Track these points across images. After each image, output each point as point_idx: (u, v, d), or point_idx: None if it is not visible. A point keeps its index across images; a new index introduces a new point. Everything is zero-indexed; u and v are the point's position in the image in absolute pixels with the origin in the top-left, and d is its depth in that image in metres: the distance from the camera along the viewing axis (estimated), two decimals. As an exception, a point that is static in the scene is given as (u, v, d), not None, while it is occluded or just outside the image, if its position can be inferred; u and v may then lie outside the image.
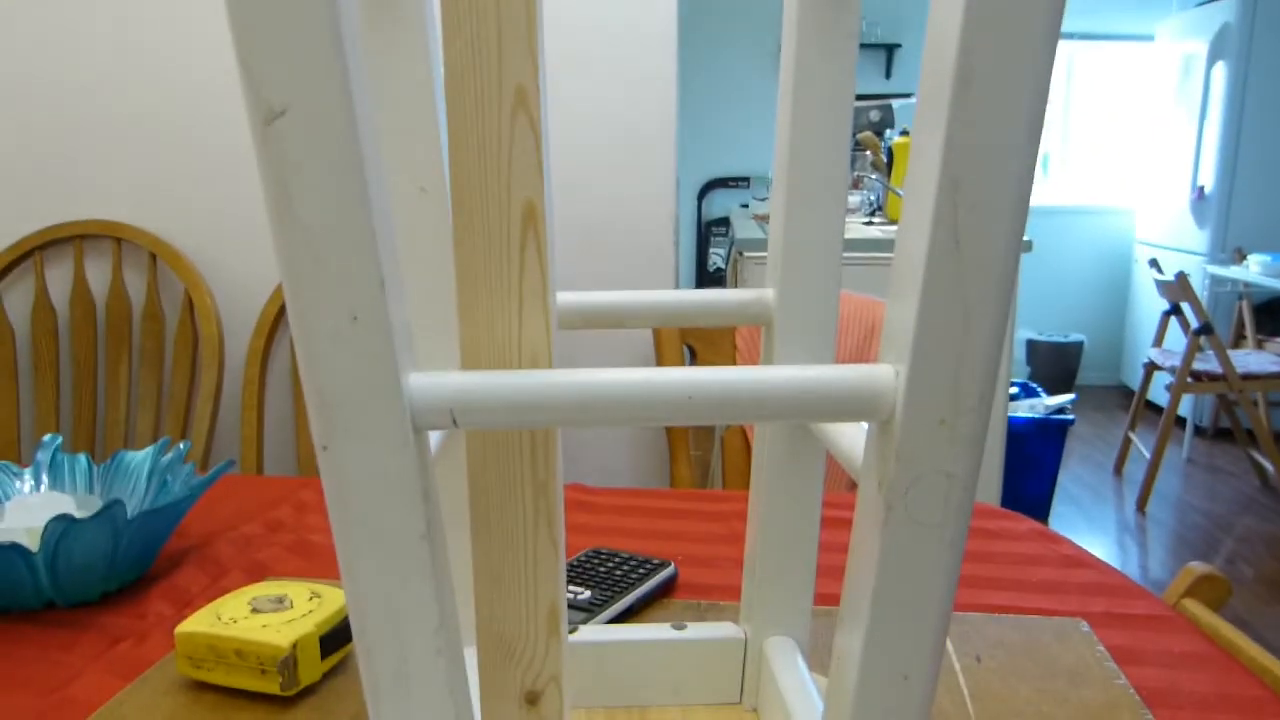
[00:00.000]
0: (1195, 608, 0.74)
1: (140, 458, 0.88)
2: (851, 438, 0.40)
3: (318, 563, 0.84)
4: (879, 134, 3.16)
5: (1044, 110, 0.30)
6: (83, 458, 0.89)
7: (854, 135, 2.81)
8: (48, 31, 1.64)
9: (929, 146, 0.30)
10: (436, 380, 0.30)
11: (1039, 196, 5.07)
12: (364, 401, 0.29)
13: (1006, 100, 0.29)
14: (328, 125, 0.27)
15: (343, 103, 0.26)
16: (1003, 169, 0.30)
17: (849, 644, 0.35)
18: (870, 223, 2.79)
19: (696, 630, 0.59)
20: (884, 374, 0.33)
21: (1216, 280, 4.15)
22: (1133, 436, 3.74)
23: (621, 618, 0.71)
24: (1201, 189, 4.32)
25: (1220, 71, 4.18)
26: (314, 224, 0.28)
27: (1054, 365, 5.00)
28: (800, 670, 0.54)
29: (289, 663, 0.60)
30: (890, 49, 5.04)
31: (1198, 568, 0.76)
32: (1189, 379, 3.32)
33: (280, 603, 0.65)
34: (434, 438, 0.37)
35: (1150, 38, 4.92)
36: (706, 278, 5.07)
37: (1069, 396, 3.28)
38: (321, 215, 0.28)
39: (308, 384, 0.29)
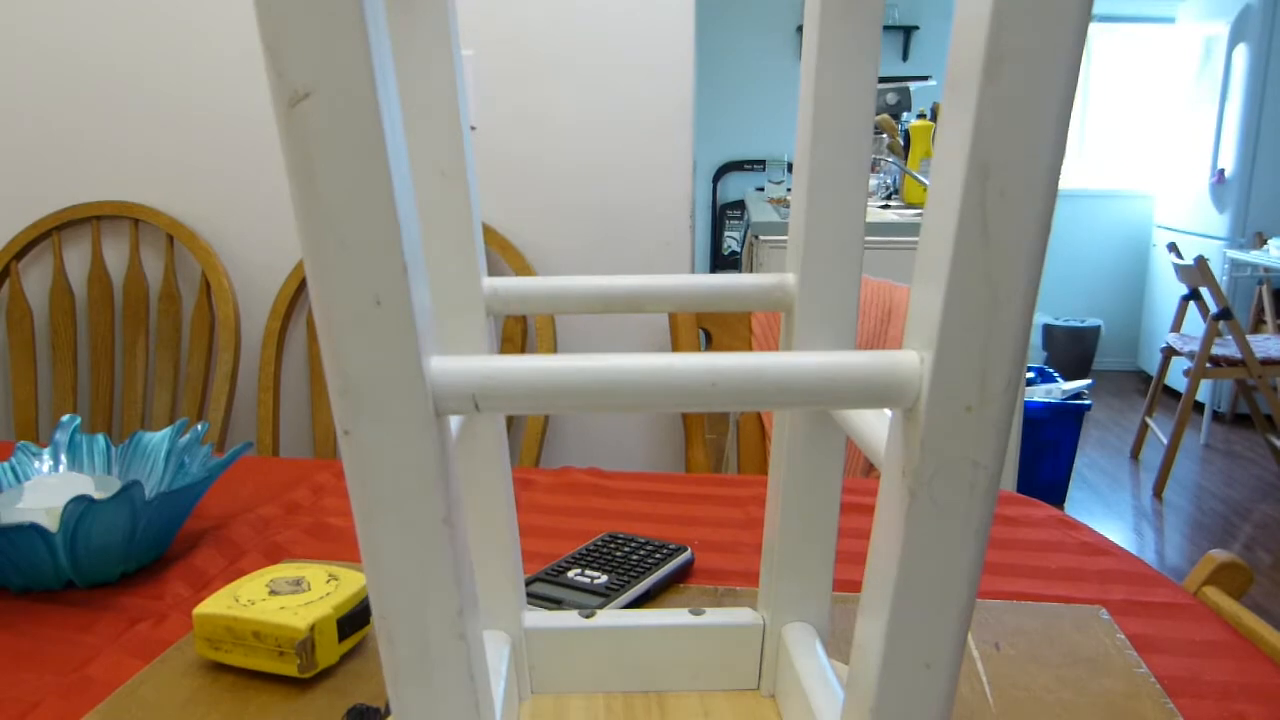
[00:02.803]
0: (1216, 596, 0.74)
1: (158, 439, 0.89)
2: (873, 424, 0.40)
3: (335, 545, 0.84)
4: (896, 117, 3.14)
5: (1074, 92, 0.29)
6: (101, 438, 0.89)
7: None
8: (66, 12, 1.64)
9: (957, 129, 0.30)
10: (459, 365, 0.30)
11: (1057, 180, 5.04)
12: (386, 386, 0.29)
13: (1038, 82, 0.28)
14: (352, 108, 0.26)
15: (367, 86, 0.26)
16: (1033, 152, 0.29)
17: (871, 632, 0.35)
18: (887, 206, 2.78)
19: (714, 616, 0.59)
20: (909, 360, 0.32)
21: (1236, 265, 4.12)
22: (1150, 422, 3.72)
23: (638, 603, 0.71)
24: (1222, 173, 4.28)
25: (1241, 54, 4.14)
26: (337, 207, 0.27)
27: (1071, 350, 4.97)
28: (819, 657, 0.54)
29: (307, 645, 0.60)
30: (908, 31, 5.01)
31: (1219, 555, 0.76)
32: (1208, 364, 3.30)
33: (298, 585, 0.65)
34: (454, 422, 0.37)
35: (1171, 19, 4.87)
36: (721, 261, 5.06)
37: (1086, 382, 3.26)
38: (345, 198, 0.27)
39: (330, 368, 0.29)
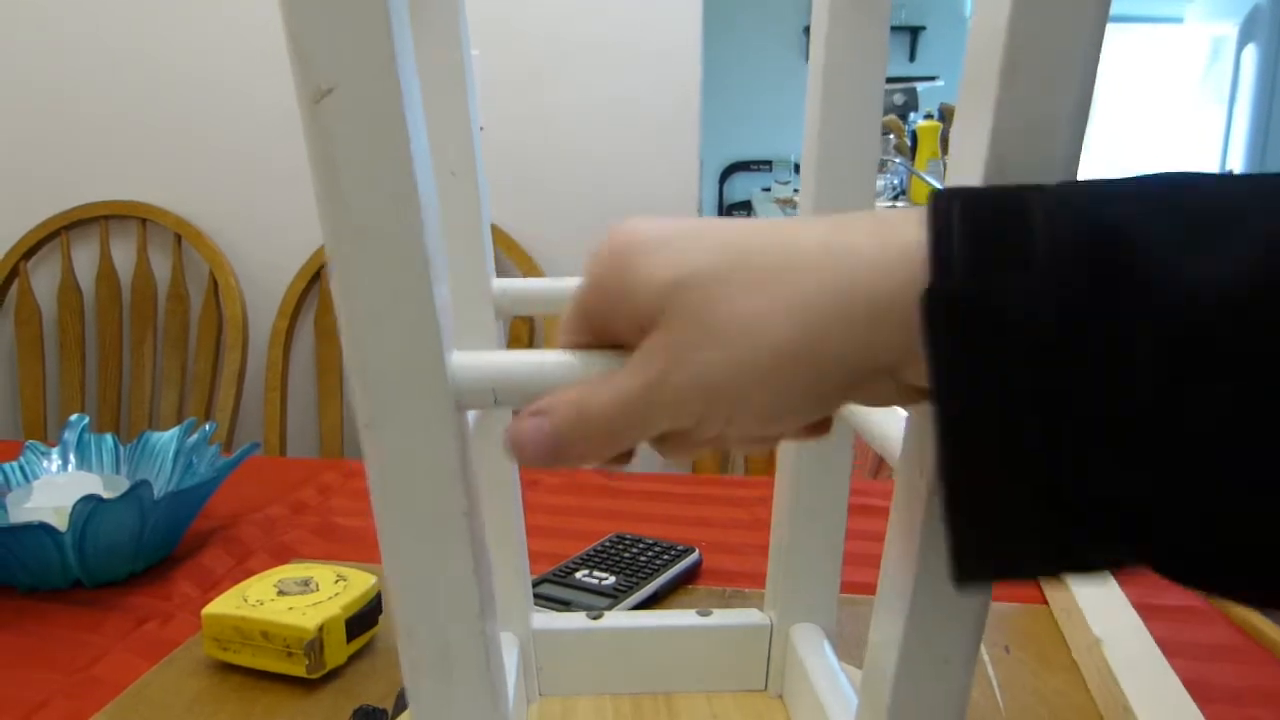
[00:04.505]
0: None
1: (166, 438, 0.89)
2: (887, 423, 0.40)
3: (342, 545, 0.84)
4: (903, 117, 3.14)
5: (1092, 94, 0.29)
6: (109, 438, 0.90)
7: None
8: (73, 12, 1.64)
9: (974, 131, 0.29)
10: (478, 359, 0.30)
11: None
12: (407, 380, 0.29)
13: (1056, 83, 0.28)
14: (375, 104, 0.27)
15: (390, 82, 0.26)
16: (1050, 153, 0.29)
17: (888, 629, 0.35)
18: (894, 206, 2.77)
19: (722, 617, 0.59)
20: (925, 360, 0.32)
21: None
22: (1156, 424, 3.70)
23: (646, 604, 0.71)
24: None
25: (1250, 54, 4.13)
26: (360, 203, 0.28)
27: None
28: (828, 657, 0.54)
29: (315, 645, 0.60)
30: (914, 31, 5.00)
31: (1229, 558, 0.75)
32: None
33: (306, 585, 0.65)
34: (470, 416, 0.37)
35: (1179, 19, 4.86)
36: (726, 262, 5.05)
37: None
38: (368, 194, 0.27)
39: (351, 363, 0.29)
